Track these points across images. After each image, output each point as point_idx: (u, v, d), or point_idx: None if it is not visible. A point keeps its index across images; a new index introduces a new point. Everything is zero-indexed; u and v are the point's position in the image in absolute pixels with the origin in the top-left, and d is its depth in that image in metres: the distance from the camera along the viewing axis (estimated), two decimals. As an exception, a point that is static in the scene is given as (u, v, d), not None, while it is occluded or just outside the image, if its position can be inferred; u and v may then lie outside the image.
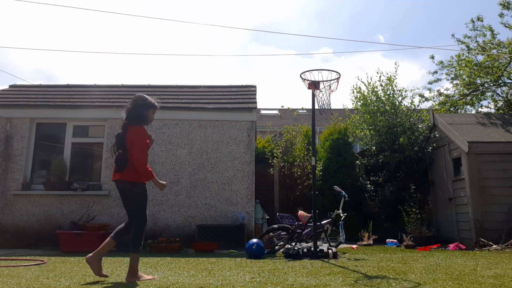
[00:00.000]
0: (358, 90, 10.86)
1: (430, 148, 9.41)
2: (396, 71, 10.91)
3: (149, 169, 3.63)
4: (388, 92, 10.50)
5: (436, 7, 46.45)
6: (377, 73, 10.97)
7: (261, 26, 65.99)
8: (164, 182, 3.78)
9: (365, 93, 10.73)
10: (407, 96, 10.84)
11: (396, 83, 10.75)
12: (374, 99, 10.50)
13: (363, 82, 10.92)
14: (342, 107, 11.97)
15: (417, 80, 49.62)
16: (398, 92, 10.56)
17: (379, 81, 10.72)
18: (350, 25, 61.12)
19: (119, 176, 3.60)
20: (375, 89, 10.65)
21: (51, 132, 8.60)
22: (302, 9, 60.04)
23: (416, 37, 58.35)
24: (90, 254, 3.57)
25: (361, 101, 10.72)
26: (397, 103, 10.36)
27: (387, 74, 10.83)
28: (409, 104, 10.88)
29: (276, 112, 19.10)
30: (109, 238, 3.65)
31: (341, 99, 40.40)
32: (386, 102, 10.29)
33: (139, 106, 3.71)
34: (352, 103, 11.05)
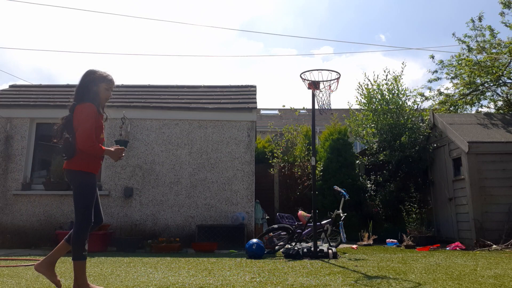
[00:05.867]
0: (365, 87, 10.87)
1: (431, 148, 9.41)
2: (402, 71, 10.89)
3: (100, 146, 2.98)
4: (393, 92, 10.52)
5: (437, 5, 46.46)
6: (384, 71, 10.96)
7: (245, 23, 65.98)
8: (115, 148, 3.11)
9: (370, 91, 10.73)
10: (410, 96, 10.85)
11: (402, 83, 10.76)
12: (379, 97, 10.52)
13: (369, 80, 10.92)
14: (347, 106, 11.96)
15: (418, 79, 49.62)
16: (402, 92, 10.57)
17: (386, 79, 10.73)
18: (350, 24, 61.10)
19: (66, 164, 2.99)
20: (380, 88, 10.65)
21: (51, 132, 8.58)
22: (287, 6, 60.07)
23: (417, 36, 58.38)
24: (39, 262, 3.03)
25: (366, 99, 10.73)
26: (400, 102, 10.38)
27: (394, 73, 10.84)
28: (412, 104, 10.89)
29: (276, 112, 19.08)
30: (63, 241, 3.04)
31: (341, 99, 40.41)
32: (390, 101, 10.31)
33: (87, 82, 3.07)
34: (356, 101, 11.04)
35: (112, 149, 3.07)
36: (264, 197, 9.84)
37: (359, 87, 10.97)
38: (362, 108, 10.94)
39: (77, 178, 2.94)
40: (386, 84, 10.69)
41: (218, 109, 8.49)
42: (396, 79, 10.62)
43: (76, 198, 2.93)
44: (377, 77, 11.00)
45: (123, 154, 3.15)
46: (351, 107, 11.54)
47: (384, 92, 10.56)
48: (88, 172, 2.97)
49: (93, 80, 3.07)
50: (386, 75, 10.75)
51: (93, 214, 2.94)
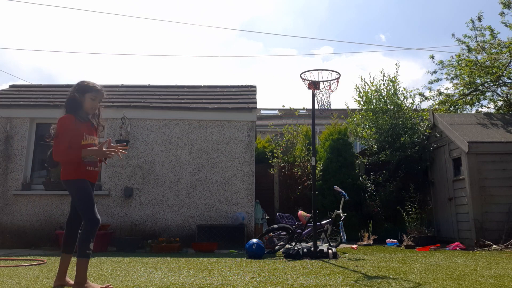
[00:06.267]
0: (362, 88, 10.89)
1: (431, 148, 9.40)
2: (397, 71, 10.93)
3: (74, 152, 3.03)
4: (391, 92, 10.52)
5: (437, 5, 46.49)
6: (381, 72, 10.96)
7: (245, 23, 66.08)
8: (98, 148, 3.11)
9: (368, 92, 10.74)
10: (408, 96, 10.84)
11: (398, 82, 10.75)
12: (378, 97, 10.52)
13: (366, 83, 10.93)
14: (344, 106, 11.98)
15: (418, 79, 49.63)
16: (400, 92, 10.58)
17: (382, 80, 10.75)
18: (350, 24, 61.12)
19: (60, 176, 3.14)
20: (378, 88, 10.67)
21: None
22: (287, 6, 60.06)
23: (417, 36, 58.35)
24: (55, 280, 3.15)
25: (364, 99, 10.73)
26: (399, 102, 10.37)
27: (389, 75, 10.85)
28: (411, 104, 10.88)
29: (276, 112, 19.09)
30: (62, 253, 3.19)
31: (342, 99, 40.38)
32: (389, 102, 10.31)
33: (73, 92, 3.18)
34: (355, 101, 11.04)
35: (96, 147, 3.12)
36: (264, 197, 9.84)
37: (356, 88, 10.98)
38: (360, 108, 10.94)
39: (69, 187, 3.08)
40: (384, 84, 10.70)
41: (218, 109, 8.49)
42: (392, 80, 10.63)
43: (77, 204, 3.07)
44: (374, 79, 10.99)
45: (113, 152, 3.14)
46: (348, 107, 11.54)
47: (382, 92, 10.58)
48: (77, 179, 3.06)
49: (79, 90, 3.19)
50: (383, 76, 10.76)
51: (97, 213, 3.03)
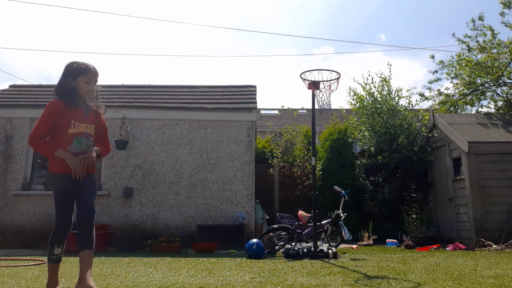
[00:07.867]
0: (354, 92, 10.89)
1: (430, 149, 9.40)
2: (390, 71, 10.91)
3: (46, 145, 2.75)
4: (384, 93, 10.50)
5: (438, 5, 46.47)
6: (369, 75, 10.88)
7: (242, 22, 66.08)
8: (82, 157, 2.76)
9: (362, 95, 10.72)
10: (403, 96, 10.79)
11: (391, 83, 10.68)
12: (371, 101, 10.49)
13: (359, 84, 10.91)
14: (339, 109, 11.97)
15: (419, 78, 49.63)
16: (394, 92, 10.54)
17: (372, 83, 10.73)
18: (350, 24, 61.10)
19: None
20: (371, 91, 10.65)
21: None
22: (287, 6, 60.02)
23: (417, 36, 58.34)
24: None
25: (358, 103, 10.71)
26: (394, 103, 10.34)
27: (382, 74, 10.80)
28: (407, 104, 10.84)
29: (276, 112, 19.08)
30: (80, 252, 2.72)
31: (341, 99, 40.39)
32: (382, 103, 10.27)
33: (64, 75, 2.87)
34: (350, 105, 11.02)
35: (77, 157, 2.74)
36: (264, 197, 9.84)
37: (349, 92, 10.98)
38: (356, 111, 10.88)
39: (50, 182, 2.83)
40: (375, 86, 10.67)
41: (218, 109, 8.49)
42: (385, 80, 10.60)
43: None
44: (367, 80, 10.94)
45: (85, 165, 2.76)
46: (343, 111, 11.53)
47: (375, 94, 10.54)
48: (57, 173, 2.76)
49: (70, 74, 2.86)
50: (372, 78, 10.76)
51: (67, 217, 2.74)
